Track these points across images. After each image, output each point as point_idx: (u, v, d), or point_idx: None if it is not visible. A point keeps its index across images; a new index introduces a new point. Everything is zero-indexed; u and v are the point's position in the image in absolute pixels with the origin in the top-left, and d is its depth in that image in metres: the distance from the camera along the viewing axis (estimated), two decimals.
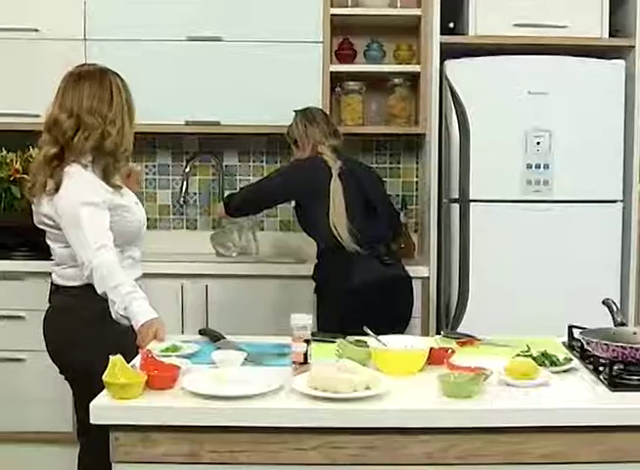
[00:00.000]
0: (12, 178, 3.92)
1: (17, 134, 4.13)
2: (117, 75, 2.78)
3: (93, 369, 2.53)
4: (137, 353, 2.46)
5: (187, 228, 4.47)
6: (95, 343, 2.64)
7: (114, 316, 2.56)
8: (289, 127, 3.73)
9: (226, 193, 4.32)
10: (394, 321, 3.40)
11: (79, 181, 2.63)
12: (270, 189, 3.64)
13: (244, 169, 4.44)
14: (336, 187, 3.45)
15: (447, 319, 3.84)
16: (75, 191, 2.61)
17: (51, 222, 2.69)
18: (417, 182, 4.43)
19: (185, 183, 4.34)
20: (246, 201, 3.71)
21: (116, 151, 2.71)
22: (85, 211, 2.59)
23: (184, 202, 4.36)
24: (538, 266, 3.74)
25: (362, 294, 3.39)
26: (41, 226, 2.76)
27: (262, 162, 4.44)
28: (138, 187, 3.13)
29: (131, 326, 2.60)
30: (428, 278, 3.87)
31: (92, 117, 2.67)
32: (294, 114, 3.73)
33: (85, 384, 2.66)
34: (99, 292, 2.57)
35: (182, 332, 3.69)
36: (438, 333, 3.72)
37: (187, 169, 4.35)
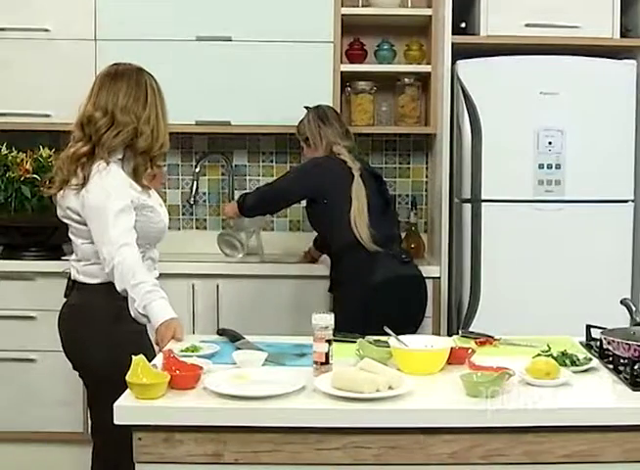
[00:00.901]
0: (22, 178, 3.90)
1: (27, 134, 4.15)
2: (152, 76, 2.78)
3: (107, 369, 2.56)
4: (153, 354, 2.46)
5: (196, 228, 4.46)
6: (110, 342, 2.65)
7: (132, 314, 2.56)
8: (299, 124, 3.74)
9: (236, 193, 4.33)
10: (410, 320, 3.44)
11: (109, 178, 2.63)
12: (288, 187, 3.65)
13: (253, 169, 4.44)
14: (358, 189, 3.47)
15: (459, 319, 3.84)
16: (105, 187, 2.61)
17: (76, 217, 2.69)
18: (426, 182, 4.43)
19: (195, 183, 4.33)
20: (262, 199, 3.70)
21: (149, 150, 2.72)
22: (112, 208, 2.58)
23: (194, 202, 4.35)
24: (550, 266, 3.74)
25: (383, 292, 3.40)
26: (65, 220, 2.76)
27: (272, 161, 4.43)
28: (161, 187, 3.14)
29: (146, 326, 2.61)
30: (439, 278, 3.86)
31: (126, 116, 2.67)
32: (304, 110, 3.72)
33: (99, 383, 2.69)
34: (119, 289, 2.57)
35: (193, 332, 3.69)
36: (449, 333, 3.76)
37: (197, 169, 4.34)
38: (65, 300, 2.83)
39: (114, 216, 2.58)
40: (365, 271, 3.43)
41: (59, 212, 2.78)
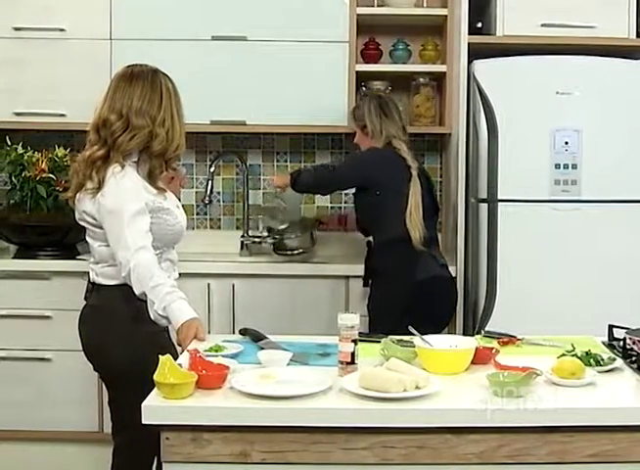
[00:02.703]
0: (38, 178, 3.91)
1: (43, 134, 4.15)
2: (167, 77, 2.77)
3: (128, 369, 2.57)
4: (174, 353, 2.46)
5: (211, 228, 4.46)
6: (130, 343, 2.65)
7: (152, 317, 2.56)
8: (356, 109, 3.74)
9: (251, 193, 4.34)
10: (439, 322, 3.48)
11: (124, 181, 2.63)
12: (347, 173, 3.69)
13: (268, 169, 4.43)
14: (415, 188, 3.50)
15: (474, 319, 3.84)
16: (120, 191, 2.61)
17: (92, 220, 2.69)
18: (441, 182, 4.42)
19: (210, 183, 4.31)
20: (318, 180, 3.72)
21: (164, 153, 2.71)
22: (128, 211, 2.58)
23: (209, 201, 4.34)
24: (566, 266, 3.73)
25: (422, 291, 3.44)
26: (82, 223, 2.76)
27: (286, 161, 4.43)
28: (180, 189, 3.14)
29: (166, 327, 2.61)
30: (455, 278, 3.85)
31: (141, 119, 2.66)
32: (364, 96, 3.79)
33: (120, 384, 2.69)
34: (137, 293, 2.57)
35: (209, 332, 3.68)
36: (464, 333, 3.76)
37: (212, 169, 4.32)
38: (84, 302, 2.83)
39: (128, 220, 2.58)
40: (408, 269, 3.46)
41: (76, 215, 2.78)
